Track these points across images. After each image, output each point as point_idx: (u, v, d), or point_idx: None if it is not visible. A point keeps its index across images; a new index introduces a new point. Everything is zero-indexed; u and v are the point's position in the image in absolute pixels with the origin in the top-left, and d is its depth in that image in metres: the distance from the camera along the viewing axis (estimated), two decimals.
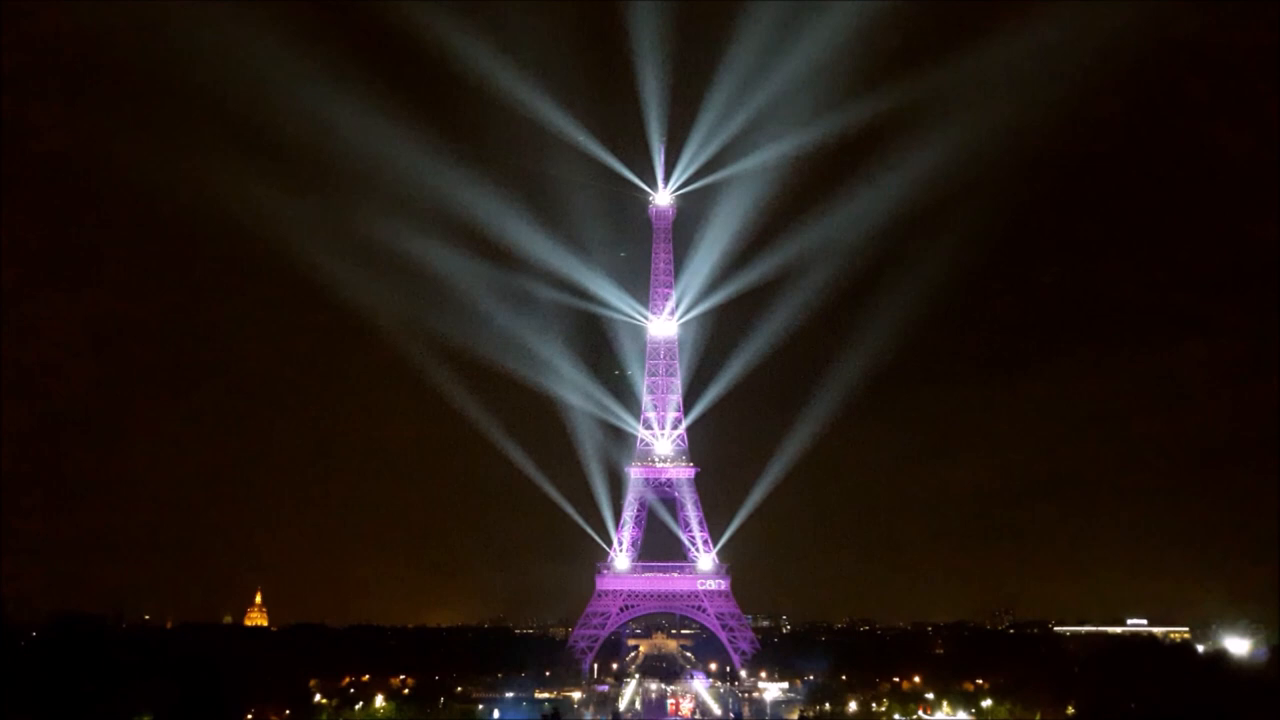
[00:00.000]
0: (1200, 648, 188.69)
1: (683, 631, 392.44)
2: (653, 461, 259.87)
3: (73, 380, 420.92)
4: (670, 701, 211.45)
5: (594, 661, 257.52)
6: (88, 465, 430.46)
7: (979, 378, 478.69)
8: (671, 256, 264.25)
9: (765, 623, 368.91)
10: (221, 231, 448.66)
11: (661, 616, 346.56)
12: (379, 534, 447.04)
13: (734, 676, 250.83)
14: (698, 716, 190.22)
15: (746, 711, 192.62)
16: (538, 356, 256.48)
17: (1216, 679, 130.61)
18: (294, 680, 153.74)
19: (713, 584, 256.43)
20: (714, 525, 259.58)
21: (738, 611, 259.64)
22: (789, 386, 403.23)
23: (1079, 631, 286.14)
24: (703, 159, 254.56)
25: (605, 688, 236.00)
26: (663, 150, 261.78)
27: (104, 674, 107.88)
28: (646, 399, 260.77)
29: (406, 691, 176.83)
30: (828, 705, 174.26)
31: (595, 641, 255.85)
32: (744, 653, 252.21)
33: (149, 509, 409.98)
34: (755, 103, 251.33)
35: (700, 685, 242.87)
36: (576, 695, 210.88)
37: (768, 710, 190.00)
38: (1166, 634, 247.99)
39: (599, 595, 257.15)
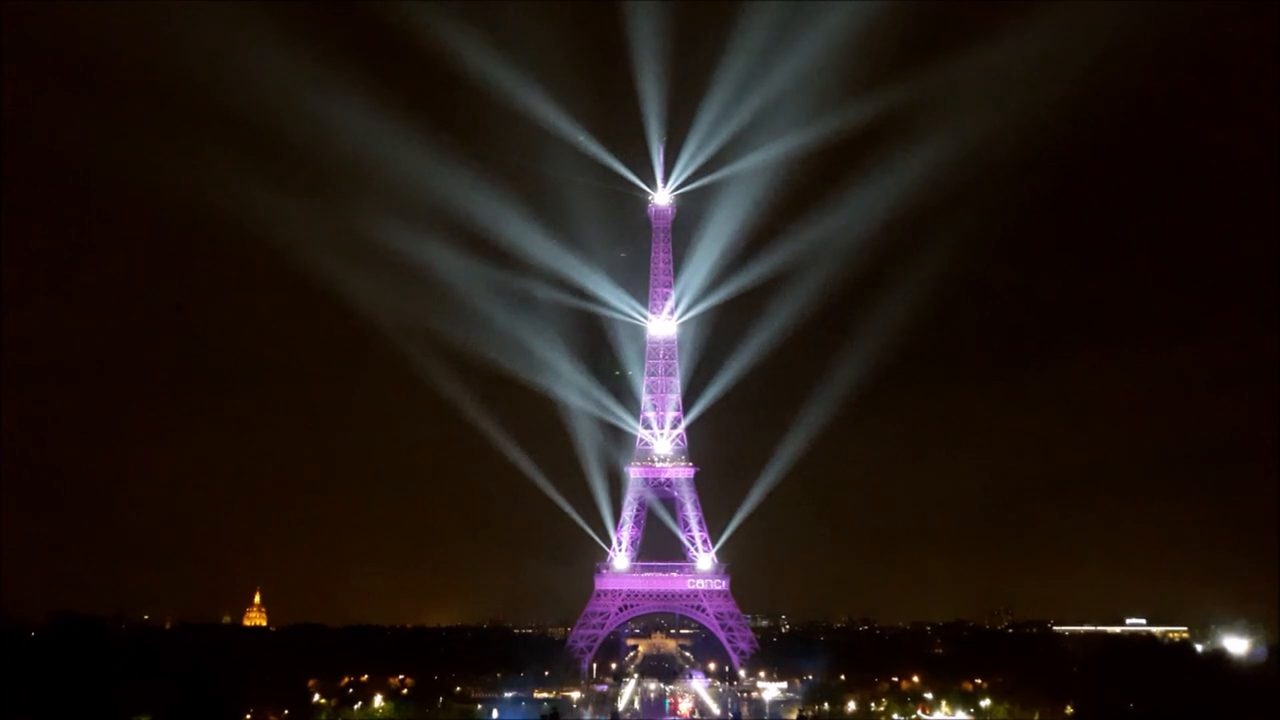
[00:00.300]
0: (1199, 647, 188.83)
1: (682, 631, 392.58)
2: (652, 461, 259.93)
3: (72, 381, 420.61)
4: (669, 701, 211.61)
5: (593, 661, 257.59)
6: (87, 466, 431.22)
7: (979, 378, 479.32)
8: (671, 256, 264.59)
9: (764, 622, 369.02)
10: (221, 232, 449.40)
11: (660, 616, 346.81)
12: (377, 534, 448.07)
13: (733, 676, 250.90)
14: (697, 716, 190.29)
15: (745, 711, 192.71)
16: (537, 356, 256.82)
17: (1215, 679, 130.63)
18: (293, 680, 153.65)
19: (712, 584, 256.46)
20: (713, 525, 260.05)
21: (737, 611, 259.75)
22: (788, 386, 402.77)
23: (1078, 631, 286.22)
24: (702, 158, 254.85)
25: (604, 687, 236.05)
26: (662, 149, 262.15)
27: (103, 674, 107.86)
28: (646, 399, 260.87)
29: (405, 691, 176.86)
30: (827, 705, 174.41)
31: (594, 641, 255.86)
32: (743, 652, 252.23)
33: (148, 510, 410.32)
34: (755, 102, 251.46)
35: (699, 685, 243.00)
36: (575, 695, 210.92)
37: (767, 710, 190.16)
38: (1165, 634, 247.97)
39: (598, 595, 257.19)
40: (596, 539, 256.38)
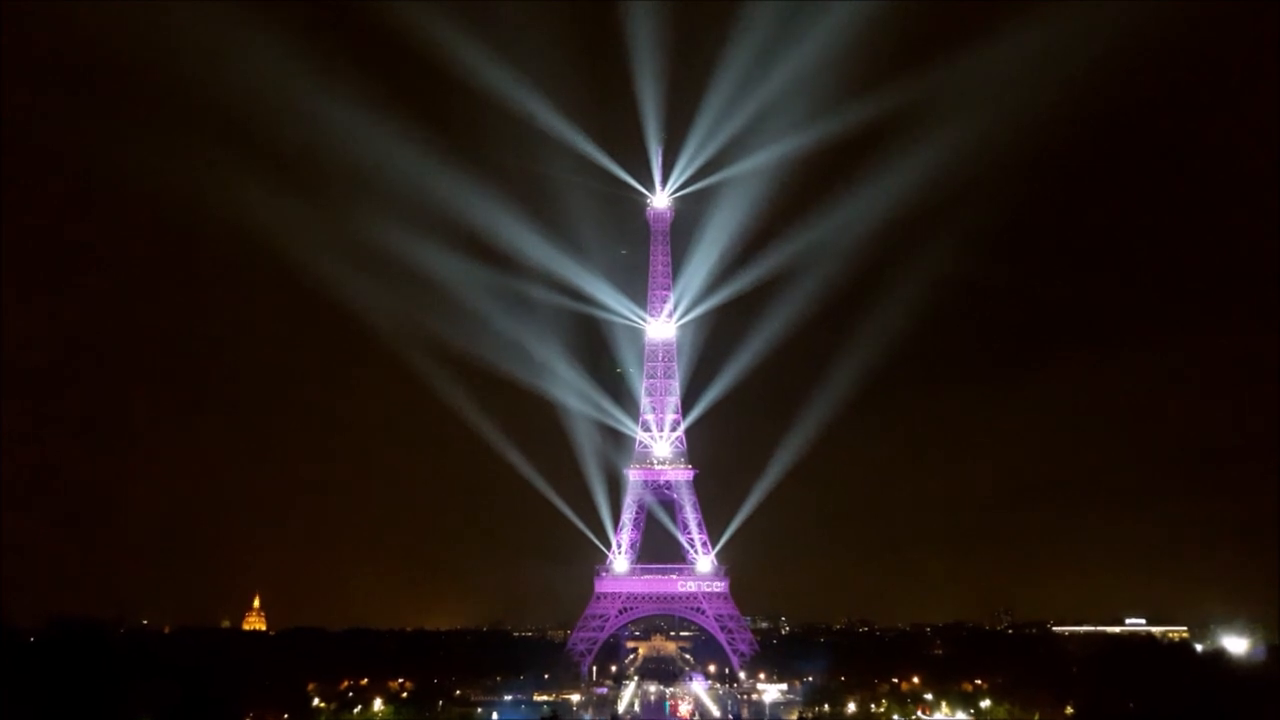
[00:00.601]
0: (1199, 647, 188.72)
1: (681, 633, 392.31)
2: (651, 464, 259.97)
3: (72, 384, 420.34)
4: (669, 703, 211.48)
5: (593, 664, 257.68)
6: (86, 469, 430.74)
7: (979, 378, 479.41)
8: (669, 258, 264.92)
9: (764, 624, 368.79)
10: (220, 233, 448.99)
11: (660, 618, 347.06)
12: (377, 537, 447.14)
13: (733, 678, 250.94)
14: (697, 718, 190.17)
15: (745, 713, 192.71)
16: (536, 359, 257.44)
17: (1215, 678, 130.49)
18: (292, 684, 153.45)
19: (711, 586, 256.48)
20: (712, 527, 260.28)
21: (736, 613, 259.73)
22: (787, 388, 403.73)
23: (1077, 631, 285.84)
24: (700, 161, 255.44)
25: (604, 690, 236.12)
26: (660, 152, 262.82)
27: (103, 678, 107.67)
28: (645, 401, 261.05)
29: (405, 695, 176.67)
30: (827, 706, 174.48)
31: (594, 644, 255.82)
32: (743, 654, 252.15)
33: (147, 513, 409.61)
34: (753, 104, 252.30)
35: (699, 687, 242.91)
36: (575, 698, 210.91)
37: (767, 711, 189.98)
38: (1165, 633, 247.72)
39: (598, 597, 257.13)
40: (596, 541, 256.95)
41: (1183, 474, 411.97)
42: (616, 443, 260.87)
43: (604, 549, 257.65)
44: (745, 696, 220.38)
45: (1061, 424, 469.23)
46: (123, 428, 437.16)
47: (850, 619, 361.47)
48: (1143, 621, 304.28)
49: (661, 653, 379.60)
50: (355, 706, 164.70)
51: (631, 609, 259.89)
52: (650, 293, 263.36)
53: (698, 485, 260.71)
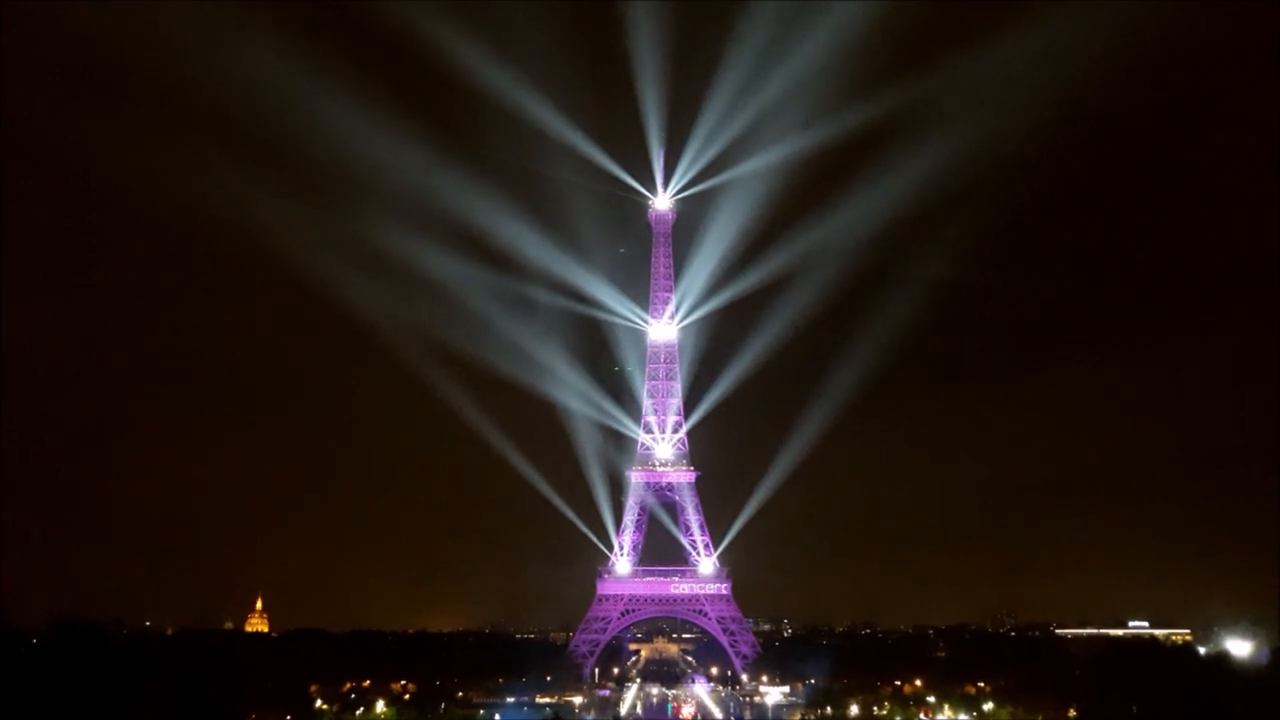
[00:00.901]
0: (1202, 649, 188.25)
1: (684, 635, 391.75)
2: (653, 465, 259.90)
3: (72, 384, 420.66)
4: (672, 706, 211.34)
5: (595, 666, 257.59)
6: (88, 471, 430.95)
7: (979, 379, 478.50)
8: (671, 260, 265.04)
9: (766, 626, 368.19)
10: (220, 234, 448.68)
11: (662, 620, 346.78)
12: (380, 539, 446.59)
13: (735, 680, 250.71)
14: None
15: (748, 715, 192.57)
16: (538, 361, 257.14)
17: (1218, 681, 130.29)
18: (295, 686, 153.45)
19: (714, 588, 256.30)
20: (715, 529, 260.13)
21: (739, 615, 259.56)
22: (789, 389, 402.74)
23: (1080, 634, 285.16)
24: (702, 162, 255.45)
25: (606, 692, 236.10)
26: (662, 154, 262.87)
27: (104, 680, 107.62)
28: (647, 403, 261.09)
29: (407, 697, 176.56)
30: (829, 709, 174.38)
31: (596, 646, 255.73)
32: (745, 656, 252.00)
33: (149, 515, 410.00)
34: (755, 105, 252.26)
35: (701, 689, 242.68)
36: (578, 700, 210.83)
37: (769, 714, 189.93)
38: (1168, 636, 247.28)
39: (600, 599, 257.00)
40: (598, 543, 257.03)
41: (1184, 474, 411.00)
42: (618, 444, 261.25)
43: (606, 551, 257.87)
44: (747, 699, 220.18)
45: (1062, 424, 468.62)
46: (123, 428, 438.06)
47: (852, 621, 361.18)
48: (1145, 624, 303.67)
49: (663, 655, 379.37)
50: (358, 708, 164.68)
51: (633, 611, 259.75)
52: (652, 294, 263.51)
53: (699, 487, 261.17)
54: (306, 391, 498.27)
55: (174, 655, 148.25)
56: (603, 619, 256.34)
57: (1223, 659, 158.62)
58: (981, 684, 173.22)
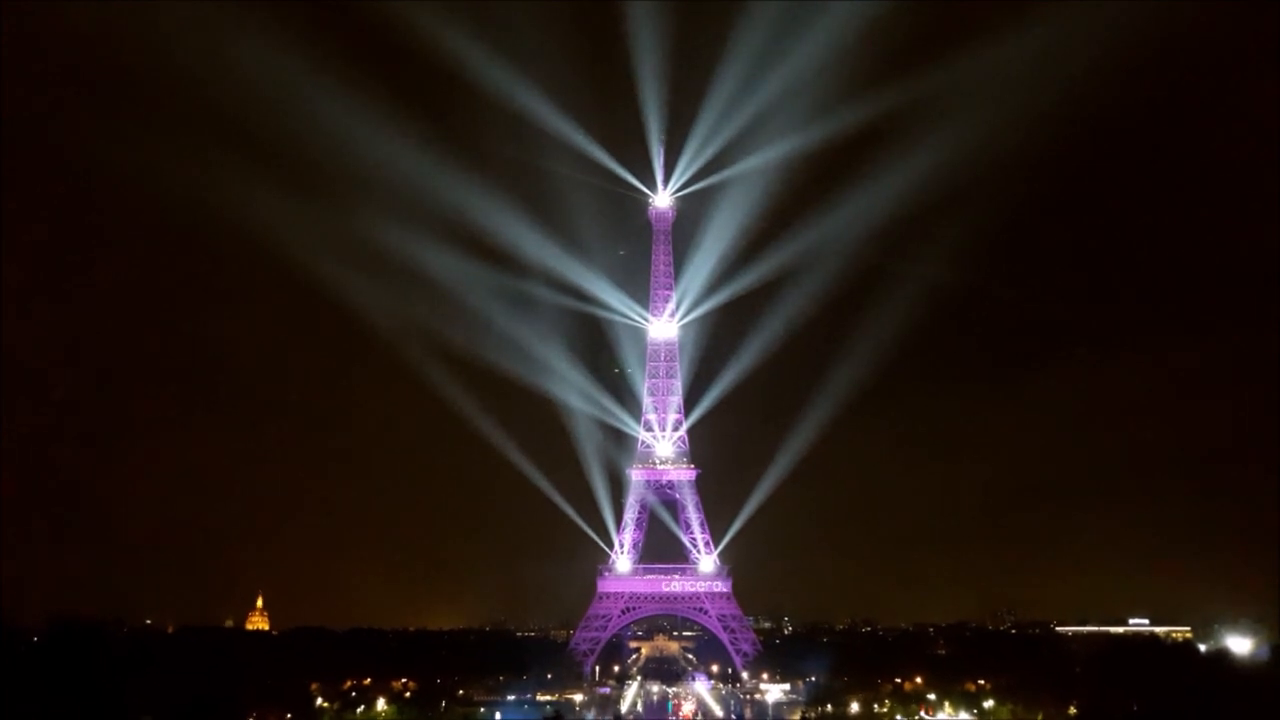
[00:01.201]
0: (1202, 647, 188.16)
1: (684, 633, 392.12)
2: (654, 463, 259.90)
3: (72, 384, 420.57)
4: (672, 703, 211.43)
5: (595, 664, 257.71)
6: (88, 469, 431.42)
7: (980, 378, 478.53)
8: (671, 258, 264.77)
9: (767, 624, 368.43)
10: (220, 233, 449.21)
11: (663, 618, 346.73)
12: (380, 537, 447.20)
13: (736, 678, 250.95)
14: (699, 718, 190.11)
15: (748, 713, 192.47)
16: (538, 359, 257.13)
17: (1218, 678, 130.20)
18: (295, 684, 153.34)
19: (714, 586, 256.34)
20: (715, 527, 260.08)
21: (739, 613, 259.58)
22: (789, 387, 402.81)
23: (1081, 631, 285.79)
24: (702, 160, 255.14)
25: (607, 690, 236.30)
26: (662, 152, 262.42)
27: (105, 678, 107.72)
28: (647, 401, 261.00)
29: (408, 695, 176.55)
30: (829, 706, 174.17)
31: (597, 644, 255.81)
32: (745, 654, 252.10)
33: (149, 513, 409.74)
34: (755, 103, 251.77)
35: (702, 687, 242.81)
36: (578, 697, 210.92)
37: (769, 712, 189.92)
38: (1168, 634, 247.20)
39: (600, 597, 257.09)
40: (598, 541, 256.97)
41: (1184, 474, 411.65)
42: (619, 442, 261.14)
43: (606, 549, 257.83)
44: (748, 696, 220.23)
45: (1062, 424, 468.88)
46: (124, 427, 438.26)
47: (853, 619, 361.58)
48: (1146, 621, 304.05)
49: (664, 653, 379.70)
50: (358, 706, 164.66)
51: (634, 609, 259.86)
52: (652, 292, 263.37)
53: (700, 485, 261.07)
54: (306, 391, 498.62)
55: (174, 654, 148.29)
56: (603, 617, 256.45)
57: (1223, 656, 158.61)
58: (982, 681, 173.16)
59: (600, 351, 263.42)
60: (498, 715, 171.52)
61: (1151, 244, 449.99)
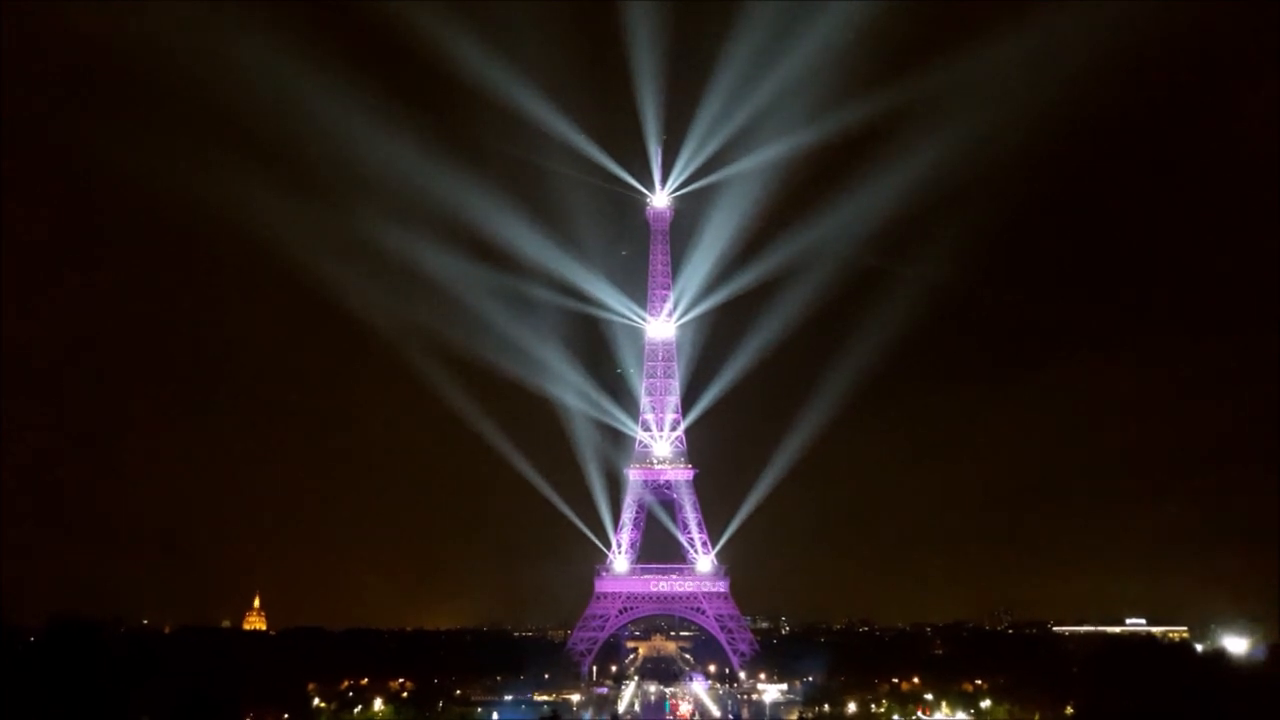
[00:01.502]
0: (1199, 647, 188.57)
1: (682, 633, 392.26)
2: (651, 463, 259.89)
3: (72, 384, 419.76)
4: (670, 703, 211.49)
5: (593, 664, 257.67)
6: (87, 470, 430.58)
7: (979, 378, 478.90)
8: (669, 258, 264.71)
9: (764, 624, 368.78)
10: (220, 233, 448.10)
11: (660, 618, 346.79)
12: (377, 537, 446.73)
13: (733, 678, 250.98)
14: (697, 718, 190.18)
15: (745, 713, 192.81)
16: (536, 359, 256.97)
17: (1215, 678, 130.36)
18: (292, 684, 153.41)
19: (712, 586, 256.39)
20: (713, 527, 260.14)
21: (736, 613, 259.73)
22: (787, 388, 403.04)
23: (1078, 631, 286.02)
24: (700, 160, 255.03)
25: (604, 690, 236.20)
26: (660, 152, 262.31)
27: (103, 678, 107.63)
28: (645, 401, 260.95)
29: (405, 695, 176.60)
30: (827, 706, 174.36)
31: (594, 644, 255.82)
32: (743, 654, 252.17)
33: (147, 513, 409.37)
34: (753, 103, 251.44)
35: (699, 687, 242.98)
36: (576, 698, 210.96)
37: (767, 711, 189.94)
38: (1165, 633, 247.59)
39: (598, 597, 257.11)
40: (596, 541, 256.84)
41: (1183, 474, 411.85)
42: (616, 442, 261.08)
43: (604, 549, 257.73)
44: (745, 696, 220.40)
45: (1061, 424, 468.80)
46: (123, 428, 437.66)
47: (850, 619, 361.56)
48: (1143, 621, 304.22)
49: (662, 653, 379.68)
50: (355, 706, 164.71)
51: (632, 609, 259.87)
52: (650, 292, 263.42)
53: (698, 485, 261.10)
54: (305, 391, 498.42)
55: (172, 654, 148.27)
56: (601, 617, 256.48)
57: (1220, 656, 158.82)
58: (979, 681, 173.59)
59: (598, 351, 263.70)
60: (495, 715, 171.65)
61: (1151, 244, 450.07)
